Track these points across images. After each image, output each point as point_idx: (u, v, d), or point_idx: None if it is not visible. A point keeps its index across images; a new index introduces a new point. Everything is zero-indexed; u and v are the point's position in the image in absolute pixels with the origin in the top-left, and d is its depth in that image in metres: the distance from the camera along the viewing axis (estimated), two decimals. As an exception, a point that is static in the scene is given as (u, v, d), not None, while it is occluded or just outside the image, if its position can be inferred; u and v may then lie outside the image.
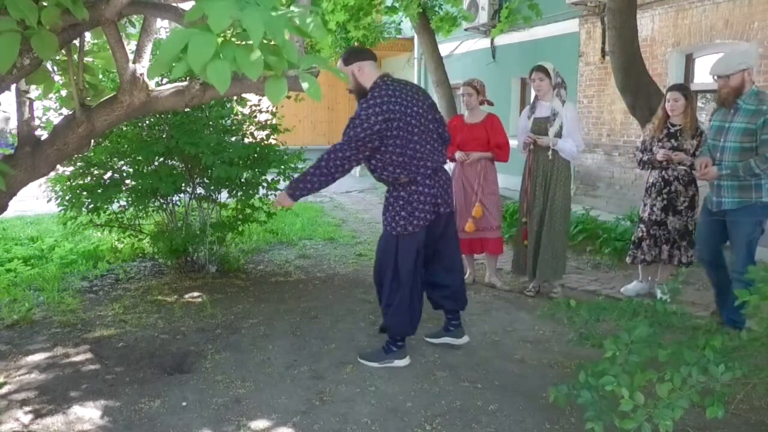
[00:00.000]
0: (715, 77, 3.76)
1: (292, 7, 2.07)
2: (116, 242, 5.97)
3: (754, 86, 3.72)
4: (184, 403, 3.03)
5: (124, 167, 5.09)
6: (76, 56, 2.79)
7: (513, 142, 4.83)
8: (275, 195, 3.79)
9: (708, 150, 3.88)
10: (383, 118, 3.19)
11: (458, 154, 4.87)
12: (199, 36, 1.76)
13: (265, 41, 1.96)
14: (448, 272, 3.64)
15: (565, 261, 4.81)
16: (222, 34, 1.88)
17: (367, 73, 3.36)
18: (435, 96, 10.47)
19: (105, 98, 2.85)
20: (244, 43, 1.91)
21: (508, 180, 7.33)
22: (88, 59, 3.05)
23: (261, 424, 2.84)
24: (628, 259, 4.93)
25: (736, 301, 3.63)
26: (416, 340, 3.84)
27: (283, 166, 5.21)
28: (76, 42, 2.75)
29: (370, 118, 3.19)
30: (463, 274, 3.82)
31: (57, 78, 3.12)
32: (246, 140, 5.37)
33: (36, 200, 6.08)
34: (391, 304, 3.47)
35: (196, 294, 4.83)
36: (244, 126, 5.45)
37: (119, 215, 5.31)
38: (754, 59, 3.77)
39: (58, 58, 2.98)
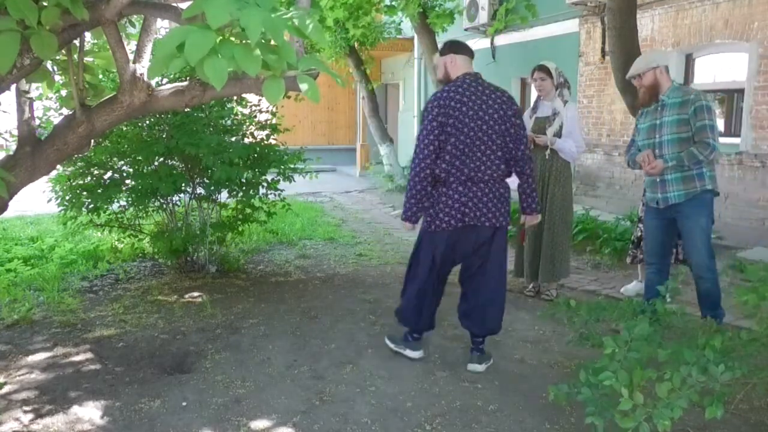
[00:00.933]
0: (632, 80, 3.91)
1: (291, 9, 2.07)
2: (116, 242, 5.97)
3: (675, 83, 3.81)
4: (184, 403, 3.03)
5: (124, 167, 5.10)
6: (76, 56, 2.79)
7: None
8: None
9: (638, 152, 3.87)
10: (443, 112, 3.25)
11: None
12: (197, 32, 1.76)
13: (263, 41, 1.96)
14: (477, 290, 3.46)
15: (566, 264, 4.72)
16: (220, 34, 1.88)
17: (457, 66, 3.40)
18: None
19: (105, 98, 2.85)
20: (243, 42, 1.91)
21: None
22: (88, 59, 3.05)
23: (261, 424, 2.84)
24: (627, 259, 4.93)
25: (710, 296, 3.63)
26: (416, 340, 3.84)
27: (283, 166, 5.22)
28: (76, 42, 2.75)
29: (433, 110, 3.28)
30: (496, 302, 3.47)
31: (57, 78, 3.12)
32: (246, 140, 5.37)
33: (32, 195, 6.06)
34: (404, 293, 3.60)
35: (196, 294, 4.83)
36: (244, 126, 5.45)
37: (119, 215, 5.31)
38: (667, 60, 3.93)
39: (58, 58, 2.98)
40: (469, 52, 3.47)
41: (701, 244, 3.67)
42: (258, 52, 1.86)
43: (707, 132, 3.59)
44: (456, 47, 3.46)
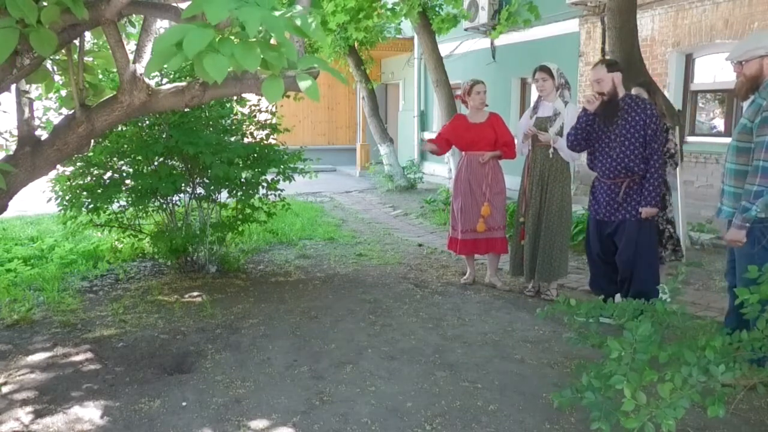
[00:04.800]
0: (732, 63, 3.19)
1: (291, 8, 2.08)
2: (116, 242, 5.97)
3: None
4: (184, 403, 3.03)
5: (124, 167, 5.09)
6: (76, 56, 2.79)
7: (517, 142, 4.85)
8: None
9: None
10: None
11: (474, 155, 4.96)
12: (195, 29, 1.78)
13: (263, 40, 1.96)
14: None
15: (565, 263, 4.71)
16: (220, 33, 1.89)
17: (621, 85, 4.02)
18: (435, 96, 10.48)
19: (105, 98, 2.85)
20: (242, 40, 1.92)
21: (509, 180, 7.32)
22: (88, 59, 3.05)
23: (261, 424, 2.84)
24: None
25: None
26: (416, 340, 3.84)
27: (282, 166, 5.22)
28: (76, 42, 2.75)
29: None
30: (633, 279, 4.08)
31: (57, 78, 3.12)
32: (246, 140, 5.37)
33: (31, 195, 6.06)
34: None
35: (196, 294, 4.83)
36: (244, 126, 5.45)
37: (119, 215, 5.31)
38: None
39: (58, 57, 2.98)
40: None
41: (740, 268, 3.08)
42: (258, 49, 1.87)
43: (760, 151, 2.91)
44: (620, 67, 4.04)
